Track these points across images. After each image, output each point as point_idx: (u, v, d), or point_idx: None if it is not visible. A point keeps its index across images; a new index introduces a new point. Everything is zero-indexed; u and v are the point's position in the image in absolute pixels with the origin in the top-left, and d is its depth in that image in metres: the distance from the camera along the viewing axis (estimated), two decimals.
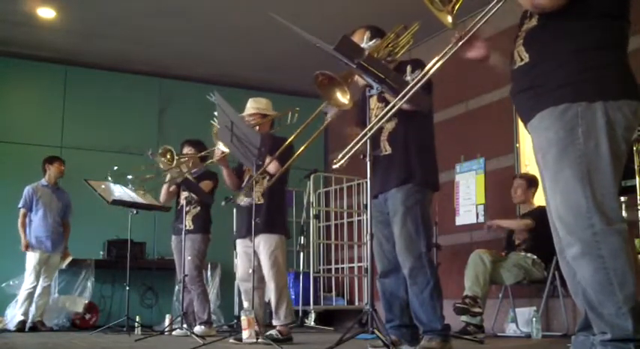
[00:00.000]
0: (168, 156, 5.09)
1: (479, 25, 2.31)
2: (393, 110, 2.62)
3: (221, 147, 4.48)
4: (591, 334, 2.13)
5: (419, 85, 2.52)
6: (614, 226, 1.98)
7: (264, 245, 4.40)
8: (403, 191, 3.24)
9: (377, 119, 2.75)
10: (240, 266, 4.54)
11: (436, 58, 2.41)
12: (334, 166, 2.66)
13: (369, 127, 2.70)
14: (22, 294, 6.52)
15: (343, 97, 2.89)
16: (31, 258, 6.61)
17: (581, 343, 2.22)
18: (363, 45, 3.22)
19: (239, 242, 4.61)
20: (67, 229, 6.93)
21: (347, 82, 2.91)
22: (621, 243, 1.97)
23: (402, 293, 3.32)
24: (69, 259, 6.90)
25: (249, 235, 4.18)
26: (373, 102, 3.41)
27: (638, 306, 1.96)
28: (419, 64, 3.25)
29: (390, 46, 3.13)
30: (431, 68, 2.45)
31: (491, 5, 2.29)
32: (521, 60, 2.22)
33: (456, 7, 2.21)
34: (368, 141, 3.00)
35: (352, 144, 2.70)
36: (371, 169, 3.13)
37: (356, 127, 3.36)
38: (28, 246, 6.62)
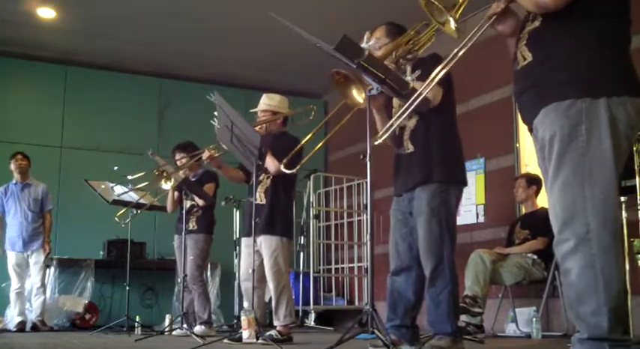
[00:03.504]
0: (165, 175, 5.14)
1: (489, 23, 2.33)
2: (409, 110, 2.57)
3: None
4: None
5: (440, 76, 2.46)
6: (609, 225, 1.99)
7: (264, 246, 4.42)
8: (428, 191, 3.20)
9: (395, 118, 2.69)
10: (243, 264, 4.55)
11: (467, 38, 2.36)
12: (376, 142, 2.63)
13: (389, 124, 2.64)
14: (11, 296, 6.53)
15: (359, 96, 2.88)
16: (9, 259, 6.60)
17: None
18: (363, 45, 3.21)
19: (244, 240, 4.63)
20: (46, 222, 6.74)
21: (362, 81, 2.90)
22: (613, 242, 1.98)
23: (409, 295, 3.30)
24: (44, 254, 6.62)
25: (251, 234, 4.29)
26: (395, 101, 3.37)
27: (620, 308, 1.97)
28: (435, 60, 3.18)
29: (410, 42, 3.11)
30: (459, 52, 2.38)
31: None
32: (524, 59, 2.23)
33: (459, 13, 2.20)
34: (368, 142, 3.00)
35: (393, 121, 2.63)
36: (396, 167, 3.22)
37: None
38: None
